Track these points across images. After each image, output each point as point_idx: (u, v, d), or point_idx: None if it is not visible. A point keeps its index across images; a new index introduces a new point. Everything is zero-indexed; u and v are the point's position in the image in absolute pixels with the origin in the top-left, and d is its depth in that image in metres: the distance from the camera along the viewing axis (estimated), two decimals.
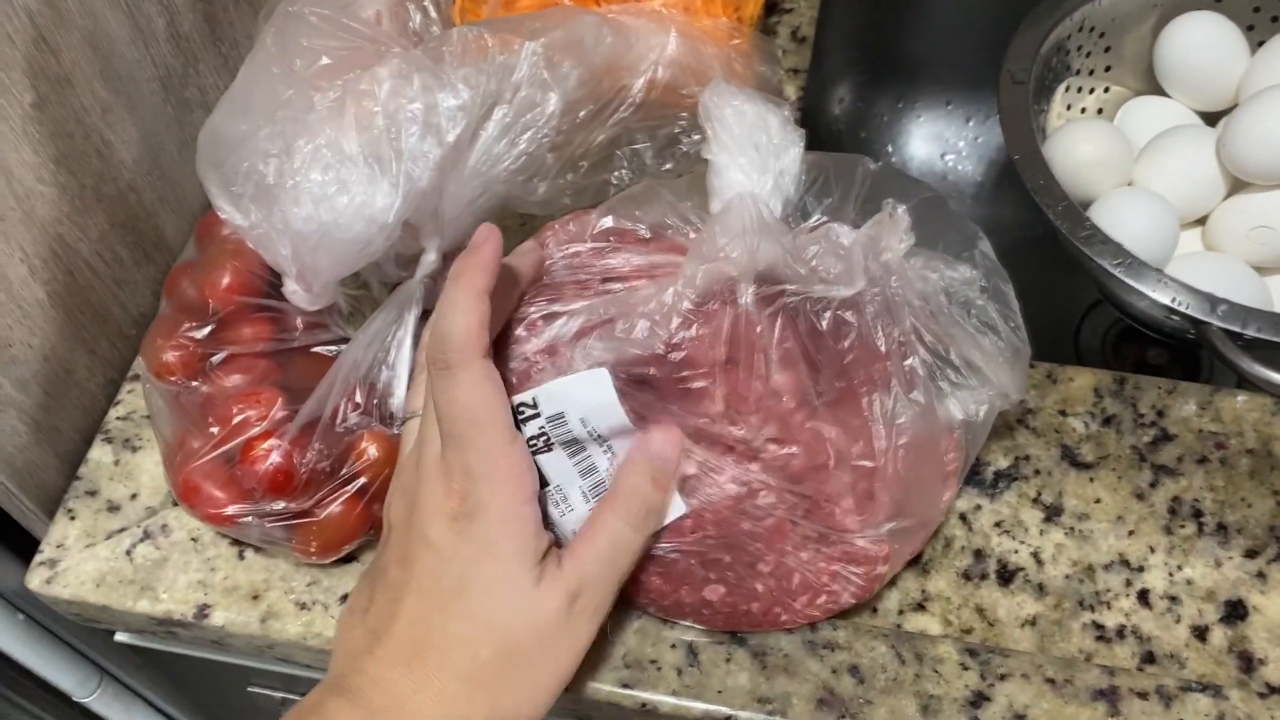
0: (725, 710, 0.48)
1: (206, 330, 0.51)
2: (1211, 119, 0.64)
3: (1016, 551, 0.51)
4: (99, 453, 0.56)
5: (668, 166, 0.53)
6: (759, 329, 0.43)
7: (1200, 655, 0.49)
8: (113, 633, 0.60)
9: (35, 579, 0.53)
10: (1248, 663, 0.48)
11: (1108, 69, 0.66)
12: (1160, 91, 0.66)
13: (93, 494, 0.55)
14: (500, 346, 0.46)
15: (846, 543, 0.46)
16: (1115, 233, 0.54)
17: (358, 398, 0.48)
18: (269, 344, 0.51)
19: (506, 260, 0.46)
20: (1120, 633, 0.49)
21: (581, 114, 0.50)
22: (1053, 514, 0.52)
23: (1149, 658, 0.49)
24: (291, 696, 0.66)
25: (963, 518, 0.52)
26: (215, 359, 0.50)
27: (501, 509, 0.40)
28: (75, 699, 0.68)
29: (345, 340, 0.51)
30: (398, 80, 0.46)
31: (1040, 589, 0.50)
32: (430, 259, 0.50)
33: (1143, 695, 0.48)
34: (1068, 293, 0.76)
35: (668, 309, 0.43)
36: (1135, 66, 0.66)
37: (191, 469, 0.49)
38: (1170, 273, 0.53)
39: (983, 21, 0.80)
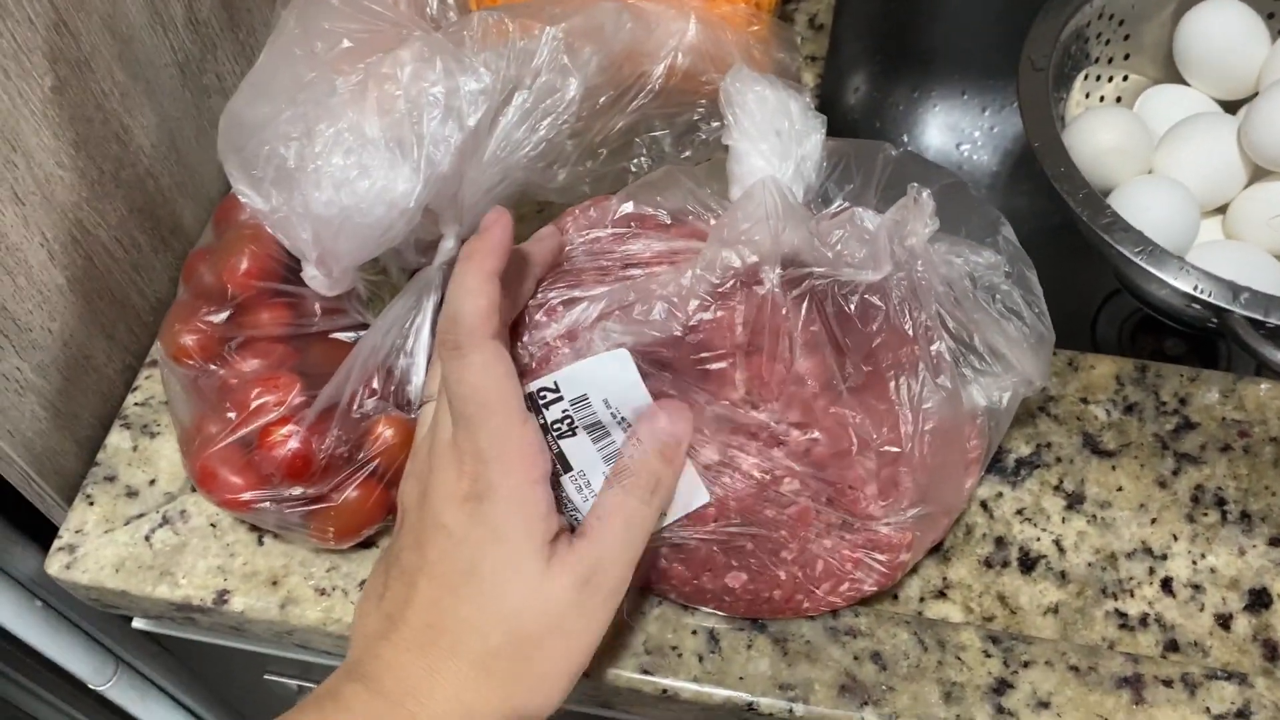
0: (746, 696, 0.48)
1: (224, 315, 0.50)
2: (1231, 107, 0.63)
3: (1038, 539, 0.51)
4: (117, 438, 0.56)
5: (686, 154, 0.53)
6: (784, 311, 0.43)
7: (1224, 643, 0.48)
8: (130, 620, 0.60)
9: (54, 564, 0.53)
10: (1272, 651, 0.48)
11: (1127, 57, 0.66)
12: (1179, 80, 0.65)
13: (111, 480, 0.55)
14: (520, 332, 0.46)
15: (870, 530, 0.45)
16: (1136, 221, 0.54)
17: (375, 384, 0.48)
18: (287, 329, 0.51)
19: (525, 245, 0.46)
20: (1143, 621, 0.49)
21: (601, 100, 0.50)
22: (1075, 502, 0.52)
23: (1172, 646, 0.48)
24: (308, 684, 0.66)
25: (984, 505, 0.52)
26: (233, 344, 0.50)
27: (511, 491, 0.40)
28: (91, 686, 0.68)
29: (364, 326, 0.51)
30: (419, 63, 0.45)
31: (1062, 577, 0.50)
32: (449, 245, 0.50)
33: (1167, 683, 0.47)
34: (1084, 283, 0.75)
35: (685, 292, 0.43)
36: (1155, 54, 0.66)
37: (209, 454, 0.49)
38: (1191, 261, 0.52)
39: (998, 11, 0.79)
